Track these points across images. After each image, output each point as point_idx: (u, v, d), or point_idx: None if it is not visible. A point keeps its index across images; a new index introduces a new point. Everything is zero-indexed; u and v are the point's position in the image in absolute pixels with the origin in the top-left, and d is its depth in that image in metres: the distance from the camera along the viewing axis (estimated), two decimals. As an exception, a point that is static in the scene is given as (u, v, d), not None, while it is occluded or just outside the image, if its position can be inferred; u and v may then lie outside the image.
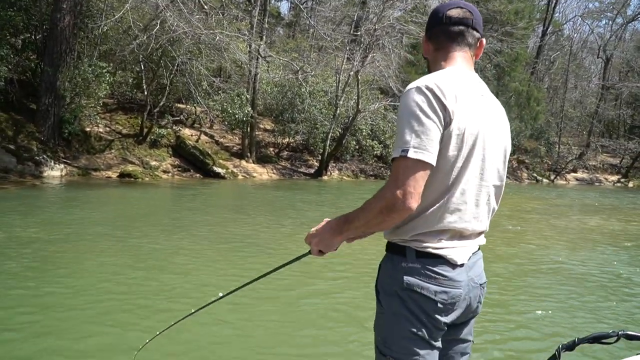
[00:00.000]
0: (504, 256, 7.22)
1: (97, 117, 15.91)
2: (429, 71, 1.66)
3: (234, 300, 4.25)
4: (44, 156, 13.97)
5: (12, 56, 14.17)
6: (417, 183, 1.40)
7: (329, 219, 1.60)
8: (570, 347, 1.62)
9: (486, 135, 1.54)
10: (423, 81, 1.49)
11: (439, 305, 1.49)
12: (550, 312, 4.77)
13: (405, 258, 1.51)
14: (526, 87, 28.46)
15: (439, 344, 1.54)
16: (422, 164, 1.41)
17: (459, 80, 1.53)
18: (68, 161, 14.58)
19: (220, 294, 2.02)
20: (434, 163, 1.43)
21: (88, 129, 15.82)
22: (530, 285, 5.82)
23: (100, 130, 16.43)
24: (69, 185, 12.77)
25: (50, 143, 14.42)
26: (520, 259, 7.14)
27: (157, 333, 2.32)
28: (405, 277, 1.49)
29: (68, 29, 14.54)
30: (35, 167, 13.58)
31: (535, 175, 28.40)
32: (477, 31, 1.64)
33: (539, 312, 4.77)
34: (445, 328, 1.54)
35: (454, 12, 1.63)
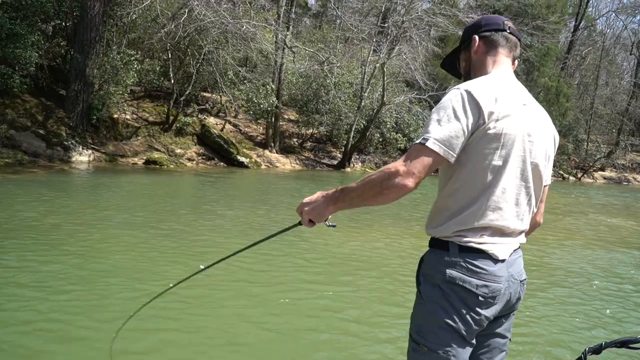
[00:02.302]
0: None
1: (124, 105, 16.12)
2: (469, 70, 1.77)
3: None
4: (73, 141, 14.22)
5: (42, 42, 14.41)
6: (423, 169, 1.47)
7: (323, 192, 1.63)
8: (597, 350, 1.61)
9: (528, 138, 1.60)
10: (465, 84, 1.57)
11: (480, 298, 1.53)
12: (567, 315, 4.68)
13: (448, 252, 1.56)
14: (556, 82, 27.90)
15: (472, 341, 1.57)
16: (435, 156, 1.48)
17: (503, 84, 1.61)
18: (96, 147, 14.82)
19: (201, 267, 2.06)
20: (450, 160, 1.50)
21: (116, 116, 16.04)
22: (547, 287, 5.71)
23: (128, 117, 16.65)
24: (96, 171, 12.99)
25: (78, 129, 14.68)
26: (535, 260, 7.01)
27: (139, 308, 2.40)
28: (447, 270, 1.54)
29: (98, 17, 14.73)
30: (64, 152, 13.83)
31: (561, 172, 27.88)
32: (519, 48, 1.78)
33: (553, 313, 4.68)
34: (485, 323, 1.57)
35: (512, 24, 1.76)
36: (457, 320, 1.51)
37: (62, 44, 16.30)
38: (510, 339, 1.72)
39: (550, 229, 9.39)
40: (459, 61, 1.85)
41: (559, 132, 28.29)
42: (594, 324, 4.46)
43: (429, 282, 1.57)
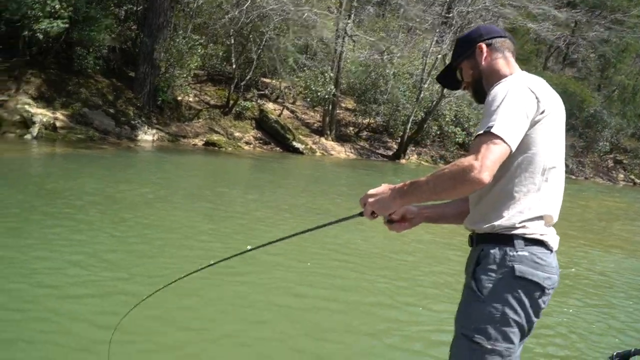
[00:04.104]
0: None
1: (187, 87, 16.74)
2: (479, 78, 1.79)
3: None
4: (139, 121, 14.96)
5: (115, 26, 15.20)
6: (496, 160, 1.44)
7: (390, 184, 1.62)
8: (625, 356, 1.58)
9: (563, 131, 1.66)
10: (515, 79, 1.62)
11: (546, 291, 1.55)
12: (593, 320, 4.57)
13: (513, 247, 1.54)
14: (633, 81, 26.30)
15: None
16: (503, 145, 1.45)
17: (540, 80, 1.65)
18: (160, 127, 15.51)
19: (249, 247, 2.04)
20: (513, 148, 1.47)
21: (179, 98, 16.70)
22: (574, 291, 5.57)
23: (190, 99, 17.29)
24: (159, 150, 13.64)
25: (145, 109, 15.41)
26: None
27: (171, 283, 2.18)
28: (517, 266, 1.52)
29: (166, 2, 15.34)
30: (131, 130, 14.59)
31: (633, 177, 26.33)
32: None
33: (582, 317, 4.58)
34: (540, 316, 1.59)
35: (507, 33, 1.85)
36: (523, 316, 1.51)
37: (132, 27, 17.09)
38: None
39: (614, 235, 9.05)
40: (460, 72, 1.85)
41: (633, 134, 26.89)
42: (626, 330, 4.35)
43: (493, 279, 1.52)
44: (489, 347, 1.49)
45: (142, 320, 3.24)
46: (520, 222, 1.54)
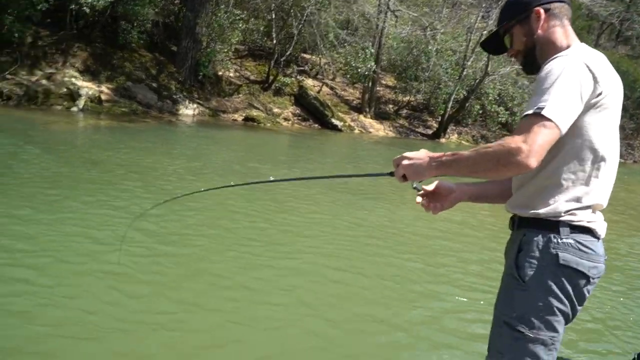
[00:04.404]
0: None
1: (228, 63, 16.83)
2: (532, 46, 1.63)
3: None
4: (181, 95, 15.18)
5: (158, 0, 15.35)
6: (545, 144, 1.35)
7: (429, 152, 1.54)
8: None
9: (619, 114, 1.55)
10: (575, 54, 1.49)
11: (591, 280, 1.49)
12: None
13: (558, 234, 1.48)
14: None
15: None
16: (554, 129, 1.36)
17: (601, 57, 1.53)
18: (200, 102, 15.71)
19: (271, 178, 1.99)
20: (563, 131, 1.38)
21: (220, 73, 16.83)
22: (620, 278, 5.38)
23: (231, 74, 17.40)
24: (200, 125, 13.85)
25: (186, 84, 15.61)
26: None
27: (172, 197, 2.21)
28: (561, 254, 1.47)
29: (209, -24, 15.36)
30: (173, 104, 14.83)
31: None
32: None
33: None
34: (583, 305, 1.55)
35: None
36: (567, 305, 1.46)
37: (175, 2, 17.23)
38: None
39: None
40: (510, 38, 1.68)
41: None
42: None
43: (536, 266, 1.47)
44: (532, 335, 1.45)
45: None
46: (567, 211, 1.48)
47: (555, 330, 1.47)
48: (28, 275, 3.49)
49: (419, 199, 1.73)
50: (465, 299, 4.07)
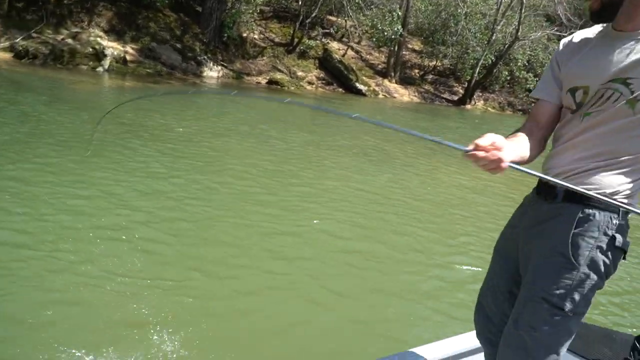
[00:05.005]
0: None
1: (253, 24, 16.62)
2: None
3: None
4: (205, 57, 15.10)
5: (184, -41, 15.13)
6: None
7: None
8: None
9: None
10: None
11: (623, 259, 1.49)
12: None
13: (618, 215, 1.43)
14: None
15: None
16: None
17: None
18: (224, 64, 15.62)
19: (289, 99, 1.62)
20: None
21: (244, 35, 16.65)
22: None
23: (255, 36, 17.20)
24: (224, 87, 13.80)
25: (210, 45, 15.50)
26: None
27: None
28: (617, 237, 1.43)
29: None
30: (197, 66, 14.78)
31: None
32: None
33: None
34: None
35: None
36: (605, 281, 1.45)
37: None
38: None
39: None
40: None
41: None
42: None
43: (592, 246, 1.42)
44: (573, 313, 1.43)
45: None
46: (627, 193, 1.42)
47: (590, 303, 1.45)
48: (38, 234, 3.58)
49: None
50: (480, 269, 4.05)
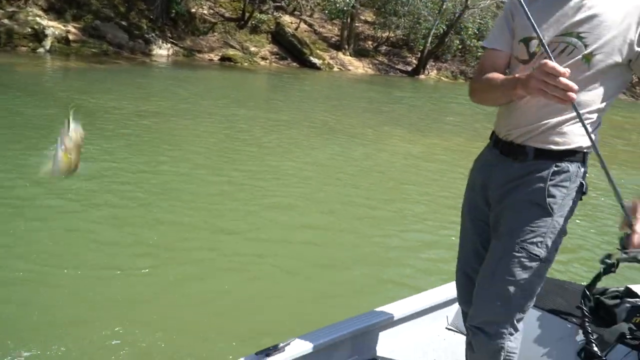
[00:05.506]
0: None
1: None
2: None
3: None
4: (153, 35, 14.60)
5: None
6: None
7: None
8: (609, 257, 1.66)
9: None
10: None
11: None
12: None
13: (584, 164, 1.53)
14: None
15: None
16: None
17: None
18: (174, 41, 15.16)
19: None
20: None
21: (193, 10, 16.16)
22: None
23: (204, 12, 16.73)
24: (175, 65, 13.42)
25: (158, 22, 14.99)
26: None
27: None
28: (584, 183, 1.53)
29: None
30: (145, 44, 14.29)
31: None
32: None
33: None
34: None
35: None
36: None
37: None
38: None
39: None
40: None
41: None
42: None
43: (564, 194, 1.50)
44: (546, 260, 1.52)
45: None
46: (587, 144, 1.49)
47: (558, 250, 1.55)
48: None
49: None
50: (431, 235, 4.17)
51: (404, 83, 16.99)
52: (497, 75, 1.52)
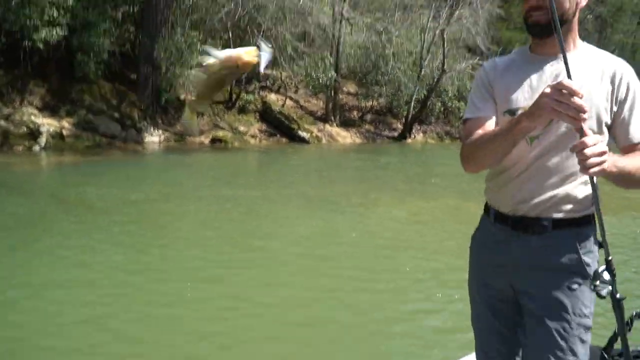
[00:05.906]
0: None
1: (190, 85, 16.77)
2: (570, 19, 1.49)
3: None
4: (145, 123, 15.04)
5: (113, 29, 15.21)
6: None
7: None
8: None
9: None
10: None
11: None
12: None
13: (594, 223, 1.56)
14: (632, 39, 26.08)
15: None
16: None
17: None
18: (165, 127, 15.60)
19: None
20: None
21: (182, 97, 16.74)
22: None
23: (193, 97, 17.29)
24: (167, 150, 13.77)
25: (149, 110, 15.48)
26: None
27: None
28: (599, 241, 1.57)
29: (163, 0, 15.31)
30: (137, 133, 14.69)
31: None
32: None
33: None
34: None
35: None
36: None
37: (131, 29, 17.10)
38: None
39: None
40: None
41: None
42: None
43: (593, 258, 1.53)
44: (590, 324, 1.54)
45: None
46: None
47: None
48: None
49: None
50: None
51: (391, 148, 17.41)
52: (490, 130, 1.51)
